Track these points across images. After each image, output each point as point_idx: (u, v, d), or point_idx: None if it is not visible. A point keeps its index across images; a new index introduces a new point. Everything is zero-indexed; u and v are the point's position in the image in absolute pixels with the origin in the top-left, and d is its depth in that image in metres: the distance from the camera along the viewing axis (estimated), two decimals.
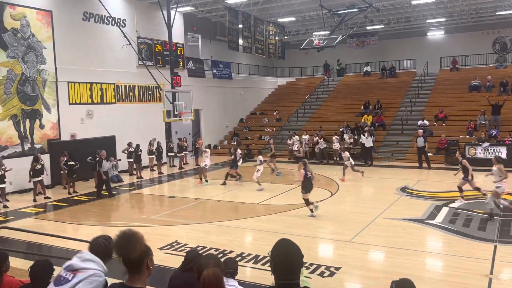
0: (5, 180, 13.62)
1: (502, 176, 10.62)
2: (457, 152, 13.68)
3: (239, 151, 16.29)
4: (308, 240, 9.45)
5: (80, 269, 2.83)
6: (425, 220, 10.81)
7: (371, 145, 20.32)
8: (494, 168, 10.91)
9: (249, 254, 8.56)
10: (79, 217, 12.21)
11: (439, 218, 10.91)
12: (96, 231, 10.68)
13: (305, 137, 22.57)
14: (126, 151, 18.40)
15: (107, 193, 14.52)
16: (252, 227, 10.88)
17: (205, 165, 16.12)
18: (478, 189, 12.51)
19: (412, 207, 12.05)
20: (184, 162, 21.74)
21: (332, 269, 7.67)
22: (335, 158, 21.51)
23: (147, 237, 9.26)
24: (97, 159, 14.76)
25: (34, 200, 14.15)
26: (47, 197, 14.70)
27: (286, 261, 2.61)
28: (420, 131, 19.67)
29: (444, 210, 11.66)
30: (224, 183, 15.82)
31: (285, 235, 9.83)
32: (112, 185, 16.69)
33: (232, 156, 15.97)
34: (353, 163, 16.61)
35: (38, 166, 14.35)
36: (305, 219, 11.16)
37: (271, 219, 11.31)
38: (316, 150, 21.95)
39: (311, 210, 11.46)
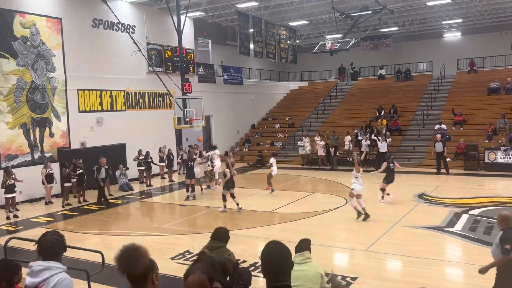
0: (15, 189, 13.82)
1: None
2: None
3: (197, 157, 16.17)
4: (323, 249, 9.39)
5: (40, 283, 2.80)
6: (444, 227, 10.68)
7: (386, 150, 20.16)
8: None
9: None
10: (89, 227, 12.32)
11: (458, 226, 10.77)
12: (106, 241, 10.77)
13: (318, 139, 22.36)
14: (136, 159, 18.53)
15: (97, 200, 14.78)
16: (265, 236, 10.85)
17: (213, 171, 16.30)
18: None
19: (430, 215, 11.92)
20: None
21: (348, 279, 7.62)
22: (348, 159, 21.41)
23: (158, 247, 9.36)
24: (96, 166, 14.93)
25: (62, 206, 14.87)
26: (68, 204, 15.11)
27: (276, 263, 2.65)
28: (438, 135, 19.48)
29: (464, 217, 11.52)
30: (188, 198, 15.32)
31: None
32: (123, 193, 16.89)
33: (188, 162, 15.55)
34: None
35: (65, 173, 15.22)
36: (320, 228, 11.11)
37: (284, 227, 11.28)
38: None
39: (225, 206, 13.07)
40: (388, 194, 13.98)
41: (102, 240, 10.96)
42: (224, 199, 13.20)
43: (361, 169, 12.36)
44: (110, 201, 15.15)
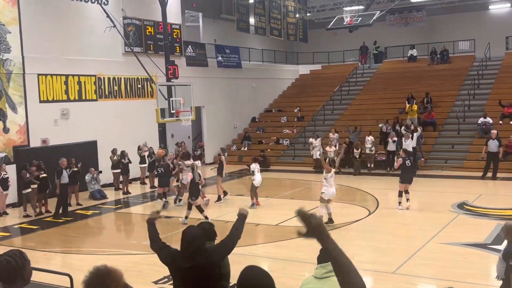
0: None
1: None
2: None
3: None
4: None
5: None
6: (489, 245, 10.72)
7: (412, 147, 20.25)
8: None
9: None
10: (54, 244, 12.38)
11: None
12: (74, 261, 10.82)
13: (334, 136, 22.38)
14: (115, 159, 18.54)
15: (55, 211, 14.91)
16: (269, 255, 10.92)
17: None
18: None
19: (473, 229, 11.98)
20: None
21: None
22: (369, 165, 21.49)
23: (137, 268, 9.41)
24: (57, 169, 15.03)
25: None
26: (28, 215, 15.15)
27: None
28: (494, 131, 19.36)
29: None
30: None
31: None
32: (94, 202, 16.95)
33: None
34: None
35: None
36: (339, 245, 11.12)
37: (293, 244, 11.31)
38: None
39: (185, 217, 13.48)
40: (407, 200, 14.23)
41: (69, 260, 11.02)
42: (200, 209, 13.65)
43: (332, 169, 12.81)
44: (79, 211, 15.21)
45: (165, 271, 9.56)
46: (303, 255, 10.64)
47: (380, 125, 23.18)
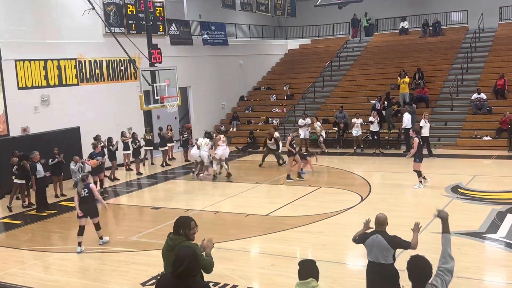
0: None
1: None
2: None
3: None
4: (334, 266, 9.41)
5: None
6: (484, 233, 10.72)
7: (410, 126, 20.16)
8: None
9: None
10: (36, 240, 12.24)
11: (502, 231, 10.82)
12: (58, 261, 10.69)
13: (305, 121, 22.40)
14: (112, 146, 18.37)
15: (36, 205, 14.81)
16: (261, 250, 10.87)
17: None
18: None
19: (467, 215, 11.95)
20: (170, 157, 21.72)
21: None
22: (355, 148, 21.50)
23: (124, 268, 9.34)
24: (29, 164, 14.79)
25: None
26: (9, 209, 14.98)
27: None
28: None
29: (509, 219, 11.56)
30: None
31: (303, 258, 9.82)
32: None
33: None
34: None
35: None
36: (330, 237, 11.13)
37: (285, 237, 11.28)
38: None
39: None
40: (424, 178, 14.92)
41: (53, 260, 10.87)
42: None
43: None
44: (63, 203, 15.05)
45: (153, 270, 9.52)
46: (293, 248, 10.63)
47: (373, 102, 23.00)
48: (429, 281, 4.43)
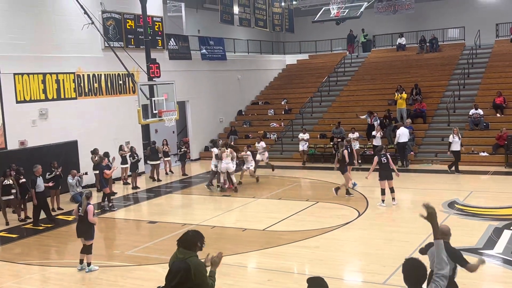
0: None
1: None
2: None
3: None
4: (330, 282, 9.23)
5: None
6: (481, 249, 10.71)
7: (406, 140, 20.31)
8: None
9: None
10: (33, 254, 12.19)
11: (499, 247, 10.82)
12: (54, 276, 10.64)
13: (304, 135, 22.69)
14: (97, 160, 18.31)
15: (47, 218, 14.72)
16: (257, 265, 10.84)
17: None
18: None
19: (464, 231, 11.94)
20: (166, 171, 21.75)
21: None
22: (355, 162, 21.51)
23: (121, 283, 9.28)
24: (31, 178, 14.74)
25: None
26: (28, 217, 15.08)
27: None
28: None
29: (506, 235, 11.57)
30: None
31: (299, 275, 9.84)
32: (75, 206, 16.68)
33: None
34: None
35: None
36: (327, 252, 11.12)
37: (281, 252, 11.25)
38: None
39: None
40: (393, 199, 14.66)
41: (49, 274, 10.82)
42: None
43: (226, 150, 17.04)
44: (60, 217, 15.04)
45: (149, 286, 9.48)
46: (289, 264, 10.61)
47: (363, 117, 23.14)
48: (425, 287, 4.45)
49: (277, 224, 13.49)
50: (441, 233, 6.78)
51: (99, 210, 15.62)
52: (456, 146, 18.82)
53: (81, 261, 10.63)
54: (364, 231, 12.64)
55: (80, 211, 10.54)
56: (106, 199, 16.15)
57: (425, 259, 4.78)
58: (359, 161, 21.34)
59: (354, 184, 16.68)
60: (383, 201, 14.63)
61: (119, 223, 15.16)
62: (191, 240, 5.45)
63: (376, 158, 14.66)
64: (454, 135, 18.92)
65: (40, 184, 14.69)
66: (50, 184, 15.53)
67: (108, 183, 16.22)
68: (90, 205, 10.57)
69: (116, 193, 18.25)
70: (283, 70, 33.00)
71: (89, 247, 10.51)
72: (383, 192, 14.61)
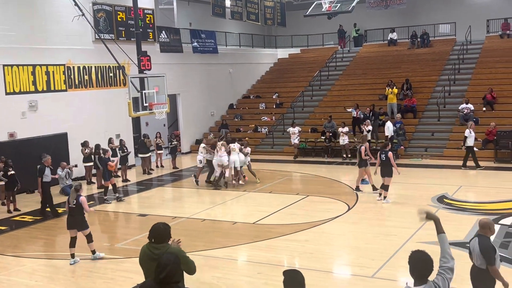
0: None
1: None
2: None
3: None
4: (319, 275, 9.43)
5: None
6: (469, 243, 10.75)
7: (392, 134, 20.49)
8: None
9: None
10: (22, 247, 12.13)
11: None
12: (45, 267, 10.62)
13: (294, 129, 22.70)
14: (87, 152, 18.24)
15: (50, 212, 14.65)
16: (247, 258, 10.87)
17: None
18: None
19: (453, 226, 11.98)
20: (157, 164, 21.71)
21: None
22: (344, 156, 21.73)
23: (110, 275, 9.30)
24: (39, 166, 14.68)
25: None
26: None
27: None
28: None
29: (495, 229, 11.61)
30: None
31: (289, 268, 9.84)
32: (65, 199, 16.59)
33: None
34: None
35: None
36: (316, 245, 11.17)
37: (272, 245, 11.29)
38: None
39: None
40: (381, 196, 14.59)
41: (37, 266, 10.79)
42: None
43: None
44: (48, 209, 14.97)
45: (139, 278, 9.46)
46: (279, 257, 10.65)
47: (349, 110, 23.23)
48: (431, 279, 4.45)
49: (268, 217, 13.52)
50: (480, 227, 6.86)
51: (92, 202, 15.62)
52: (470, 141, 18.83)
53: (73, 255, 10.63)
54: (353, 225, 12.70)
55: (70, 203, 10.53)
56: (114, 191, 16.23)
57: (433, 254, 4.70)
58: (349, 155, 21.49)
59: (364, 182, 16.19)
60: (384, 197, 14.45)
61: (109, 215, 15.12)
62: (164, 234, 5.69)
63: (378, 154, 14.62)
64: (470, 130, 18.91)
65: (48, 174, 14.67)
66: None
67: (110, 175, 16.17)
68: (82, 197, 10.63)
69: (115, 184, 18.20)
70: (274, 64, 32.99)
71: (89, 236, 10.68)
72: (386, 188, 14.46)
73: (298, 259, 10.54)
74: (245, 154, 17.64)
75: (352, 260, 10.44)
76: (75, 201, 10.54)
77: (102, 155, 17.55)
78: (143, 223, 13.74)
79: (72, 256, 10.64)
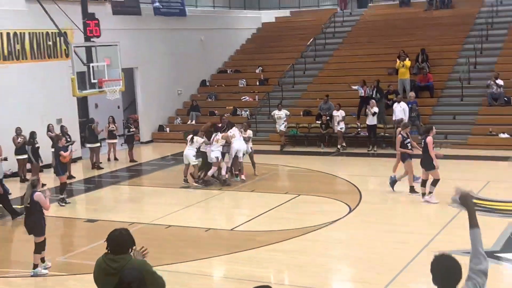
0: None
1: None
2: None
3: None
4: None
5: None
6: (498, 253, 10.91)
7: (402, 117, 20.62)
8: None
9: None
10: None
11: None
12: None
13: (280, 112, 22.81)
14: (19, 142, 18.14)
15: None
16: (224, 273, 10.92)
17: None
18: None
19: None
20: (109, 157, 21.64)
21: None
22: (339, 146, 21.92)
23: None
24: None
25: None
26: None
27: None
28: None
29: None
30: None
31: (276, 286, 9.93)
32: None
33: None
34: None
35: None
36: (309, 257, 11.21)
37: (254, 257, 11.31)
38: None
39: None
40: (424, 193, 14.49)
41: None
42: None
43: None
44: None
45: None
46: (263, 272, 10.67)
47: (355, 88, 23.26)
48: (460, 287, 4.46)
49: (249, 222, 13.57)
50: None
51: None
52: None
53: (43, 260, 10.76)
54: (355, 230, 12.77)
55: (25, 202, 10.56)
56: (60, 191, 16.01)
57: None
58: (343, 144, 21.61)
59: (416, 178, 15.56)
60: (423, 194, 14.45)
61: (48, 221, 14.98)
62: (122, 242, 5.55)
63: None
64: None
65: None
66: None
67: (65, 169, 16.10)
68: (37, 192, 10.68)
69: (45, 184, 18.11)
70: (257, 30, 32.94)
71: (41, 244, 10.67)
72: (434, 183, 14.40)
73: (286, 274, 10.59)
74: (247, 140, 17.57)
75: (353, 275, 10.49)
76: (29, 199, 10.57)
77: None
78: (91, 230, 13.73)
79: (42, 260, 10.74)
